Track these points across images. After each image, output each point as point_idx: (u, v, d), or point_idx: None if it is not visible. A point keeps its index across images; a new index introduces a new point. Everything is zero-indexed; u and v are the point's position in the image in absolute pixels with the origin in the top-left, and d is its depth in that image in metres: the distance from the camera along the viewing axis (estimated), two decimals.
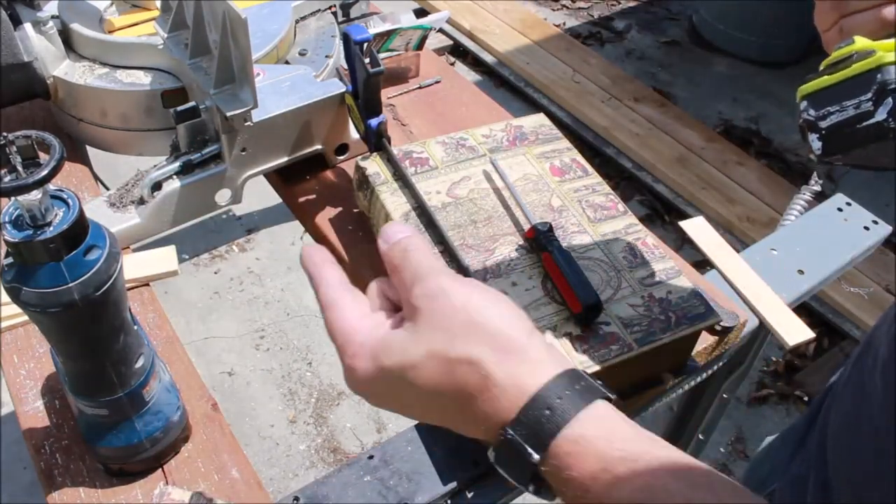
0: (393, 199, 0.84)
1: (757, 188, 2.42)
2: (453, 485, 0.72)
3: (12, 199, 0.53)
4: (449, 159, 0.89)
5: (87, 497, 0.68)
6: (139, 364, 0.66)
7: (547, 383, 0.39)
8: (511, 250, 0.80)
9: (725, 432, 1.92)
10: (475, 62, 3.07)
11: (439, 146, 0.91)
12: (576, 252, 0.79)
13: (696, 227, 0.98)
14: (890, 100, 0.48)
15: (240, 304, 2.15)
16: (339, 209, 0.95)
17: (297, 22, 1.09)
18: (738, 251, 0.97)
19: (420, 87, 1.15)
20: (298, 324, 2.11)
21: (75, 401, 0.66)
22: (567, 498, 0.39)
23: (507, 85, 2.95)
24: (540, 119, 0.97)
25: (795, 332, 0.87)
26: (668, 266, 0.80)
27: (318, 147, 0.97)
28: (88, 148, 1.04)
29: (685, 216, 2.30)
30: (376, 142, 0.90)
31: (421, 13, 1.12)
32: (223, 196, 0.93)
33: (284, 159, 0.95)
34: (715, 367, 0.89)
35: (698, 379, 0.89)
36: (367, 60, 0.84)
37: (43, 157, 0.52)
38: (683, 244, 2.27)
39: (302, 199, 0.97)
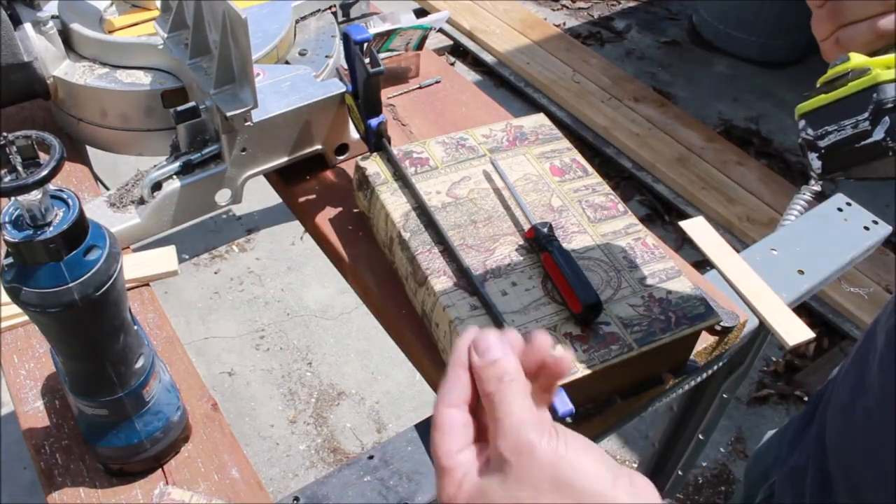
0: (393, 199, 0.84)
1: (757, 188, 2.42)
2: None
3: (12, 199, 0.53)
4: (449, 159, 0.89)
5: (87, 497, 0.68)
6: (139, 364, 0.66)
7: None
8: (511, 250, 0.80)
9: (725, 432, 1.92)
10: (475, 62, 3.07)
11: (439, 146, 0.91)
12: (576, 252, 0.79)
13: (696, 227, 0.98)
14: (887, 119, 0.48)
15: (240, 304, 2.15)
16: (339, 209, 0.95)
17: (297, 22, 1.09)
18: (738, 251, 0.97)
19: (420, 87, 1.15)
20: (298, 324, 2.11)
21: (75, 401, 0.66)
22: None
23: (507, 85, 2.95)
24: (540, 119, 0.97)
25: (795, 332, 0.87)
26: (668, 266, 0.80)
27: (318, 147, 0.97)
28: (88, 148, 1.04)
29: (685, 216, 2.30)
30: (376, 142, 0.90)
31: (421, 13, 1.12)
32: (223, 196, 0.93)
33: (284, 159, 0.95)
34: (715, 367, 0.89)
35: (698, 379, 0.89)
36: (367, 60, 0.84)
37: (43, 157, 0.52)
38: (683, 244, 2.27)
39: (302, 199, 0.97)
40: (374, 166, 0.88)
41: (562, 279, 0.74)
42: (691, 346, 0.78)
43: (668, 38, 3.28)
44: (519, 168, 0.89)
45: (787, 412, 1.97)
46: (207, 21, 0.85)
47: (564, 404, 0.64)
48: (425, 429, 0.76)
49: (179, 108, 0.85)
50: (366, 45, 0.85)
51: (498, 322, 0.72)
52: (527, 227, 0.81)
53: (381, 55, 1.10)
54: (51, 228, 0.54)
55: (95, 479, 0.70)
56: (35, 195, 0.52)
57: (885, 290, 2.11)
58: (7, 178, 0.51)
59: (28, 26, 0.91)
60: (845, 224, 1.04)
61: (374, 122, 0.88)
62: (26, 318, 0.78)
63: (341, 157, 1.00)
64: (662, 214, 2.47)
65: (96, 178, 1.03)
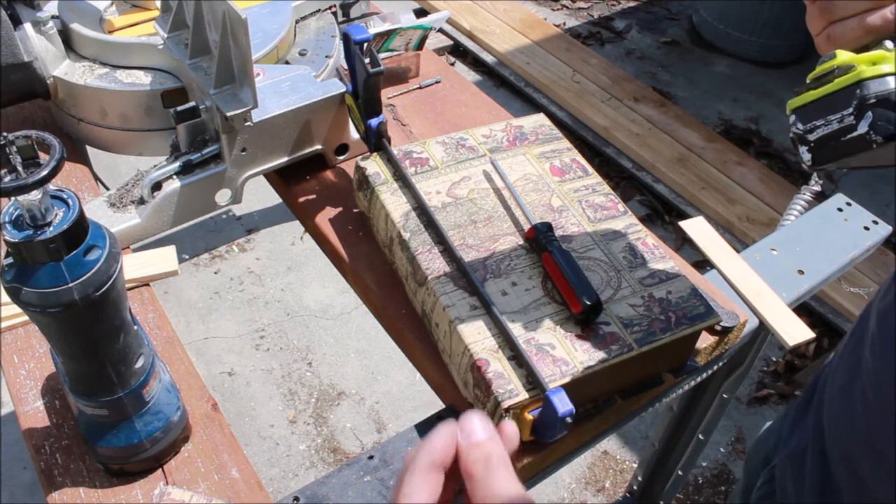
0: (393, 199, 0.84)
1: (757, 188, 2.42)
2: None
3: (12, 199, 0.53)
4: (449, 159, 0.89)
5: (87, 497, 0.69)
6: (139, 364, 0.66)
7: None
8: (511, 250, 0.80)
9: (725, 432, 1.92)
10: (475, 62, 3.07)
11: (439, 146, 0.91)
12: (576, 252, 0.79)
13: (696, 227, 0.98)
14: (870, 113, 0.50)
15: (240, 304, 2.15)
16: (339, 209, 0.95)
17: (297, 22, 1.09)
18: (738, 251, 0.97)
19: (420, 87, 1.15)
20: (298, 324, 2.11)
21: (75, 401, 0.66)
22: None
23: (507, 85, 2.95)
24: (540, 119, 0.97)
25: (795, 332, 0.87)
26: (668, 266, 0.80)
27: (318, 147, 0.97)
28: (88, 148, 1.04)
29: (685, 216, 2.30)
30: (376, 142, 0.90)
31: (421, 13, 1.12)
32: (223, 196, 0.93)
33: (284, 159, 0.95)
34: (715, 367, 0.89)
35: (698, 379, 0.89)
36: (367, 60, 0.84)
37: (43, 157, 0.52)
38: (683, 244, 2.27)
39: (302, 199, 0.97)
40: (374, 166, 0.88)
41: (562, 279, 0.74)
42: (691, 346, 0.78)
43: (668, 38, 3.28)
44: (519, 168, 0.89)
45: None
46: (207, 21, 0.85)
47: (564, 404, 0.64)
48: (425, 429, 0.76)
49: (179, 108, 0.85)
50: (366, 45, 0.85)
51: (498, 322, 0.72)
52: (527, 227, 0.81)
53: (381, 55, 1.10)
54: (51, 228, 0.54)
55: (95, 479, 0.70)
56: (35, 195, 0.52)
57: None
58: (7, 178, 0.51)
59: (28, 26, 0.91)
60: (845, 224, 1.04)
61: (374, 122, 0.88)
62: (26, 318, 0.78)
63: (341, 157, 1.00)
64: (662, 214, 2.47)
65: (96, 178, 1.03)
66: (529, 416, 0.68)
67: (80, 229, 0.56)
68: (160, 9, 0.95)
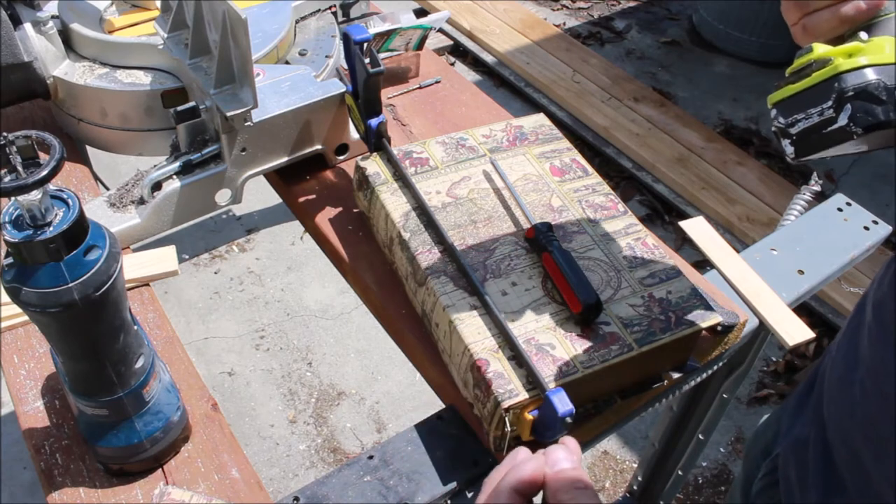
0: (393, 199, 0.84)
1: (757, 188, 2.42)
2: (453, 485, 0.72)
3: (12, 199, 0.53)
4: (449, 159, 0.89)
5: (87, 497, 0.68)
6: (139, 364, 0.66)
7: None
8: (511, 250, 0.80)
9: (725, 432, 1.92)
10: (475, 62, 3.07)
11: (439, 146, 0.91)
12: (576, 252, 0.79)
13: (696, 227, 0.98)
14: (849, 106, 0.51)
15: (240, 304, 2.15)
16: (339, 209, 0.95)
17: (297, 22, 1.09)
18: (738, 251, 0.97)
19: (420, 87, 1.15)
20: (298, 324, 2.11)
21: (75, 401, 0.66)
22: None
23: (507, 85, 2.95)
24: (540, 119, 0.97)
25: (795, 332, 0.87)
26: (668, 266, 0.80)
27: (318, 147, 0.97)
28: (88, 148, 1.04)
29: (685, 216, 2.30)
30: (376, 142, 0.90)
31: (421, 13, 1.12)
32: (223, 196, 0.93)
33: (284, 159, 0.95)
34: (715, 367, 0.89)
35: (698, 379, 0.89)
36: (367, 60, 0.84)
37: (43, 157, 0.52)
38: (683, 244, 2.27)
39: (302, 199, 0.97)
40: (374, 166, 0.88)
41: (562, 279, 0.74)
42: (691, 346, 0.78)
43: (668, 38, 3.28)
44: (519, 168, 0.89)
45: None
46: (207, 21, 0.85)
47: (564, 404, 0.64)
48: (425, 428, 0.76)
49: (179, 108, 0.85)
50: (366, 45, 0.85)
51: (498, 322, 0.72)
52: (527, 227, 0.81)
53: (381, 55, 1.10)
54: (51, 228, 0.54)
55: (95, 479, 0.70)
56: (35, 195, 0.52)
57: None
58: (7, 178, 0.51)
59: (28, 26, 0.91)
60: (845, 224, 1.04)
61: (374, 122, 0.88)
62: (26, 318, 0.78)
63: (341, 157, 1.00)
64: (662, 214, 2.47)
65: (96, 178, 1.03)
66: (529, 416, 0.68)
67: (80, 229, 0.56)
68: (160, 9, 0.95)
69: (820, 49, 0.53)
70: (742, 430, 1.92)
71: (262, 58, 0.97)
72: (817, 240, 1.02)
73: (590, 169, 0.91)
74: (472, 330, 0.72)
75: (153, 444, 0.69)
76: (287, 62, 1.03)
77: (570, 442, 0.49)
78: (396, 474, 0.72)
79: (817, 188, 1.10)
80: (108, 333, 0.61)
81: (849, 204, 1.07)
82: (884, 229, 1.04)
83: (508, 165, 0.89)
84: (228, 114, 0.83)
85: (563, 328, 0.73)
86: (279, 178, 0.99)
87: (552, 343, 0.71)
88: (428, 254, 0.79)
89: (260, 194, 2.24)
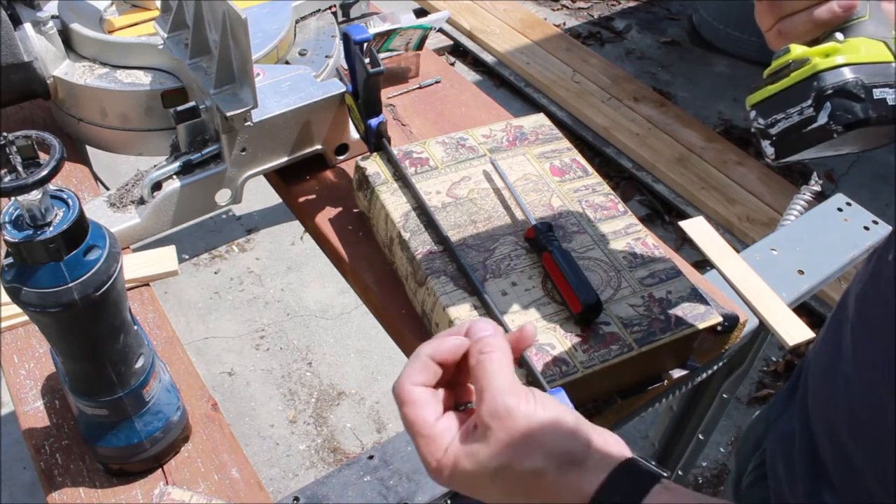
0: (393, 199, 0.84)
1: (757, 188, 2.42)
2: None
3: (12, 199, 0.53)
4: (449, 159, 0.89)
5: (87, 497, 0.68)
6: (139, 364, 0.66)
7: (604, 485, 0.44)
8: (511, 250, 0.80)
9: (725, 432, 1.92)
10: (475, 62, 3.07)
11: (439, 146, 0.91)
12: (576, 252, 0.79)
13: (696, 227, 0.98)
14: (828, 104, 0.51)
15: (240, 304, 2.15)
16: (339, 209, 0.95)
17: (297, 22, 1.09)
18: (738, 251, 0.97)
19: (420, 87, 1.15)
20: (298, 324, 2.11)
21: (75, 401, 0.66)
22: None
23: (507, 85, 2.95)
24: (540, 119, 0.97)
25: (795, 332, 0.87)
26: (668, 266, 0.80)
27: (318, 147, 0.97)
28: (88, 148, 1.04)
29: (685, 216, 2.30)
30: (376, 142, 0.90)
31: (421, 13, 1.12)
32: (223, 196, 0.93)
33: (284, 159, 0.95)
34: (715, 367, 0.89)
35: (698, 379, 0.89)
36: (367, 60, 0.84)
37: (43, 157, 0.52)
38: (683, 244, 2.27)
39: (302, 199, 0.97)
40: (374, 166, 0.88)
41: (562, 279, 0.74)
42: (691, 346, 0.78)
43: (668, 38, 3.28)
44: (519, 168, 0.89)
45: None
46: (207, 21, 0.85)
47: (564, 404, 0.64)
48: None
49: (179, 108, 0.85)
50: (366, 45, 0.85)
51: (498, 322, 0.72)
52: (527, 227, 0.81)
53: (381, 55, 1.10)
54: (51, 228, 0.54)
55: (95, 479, 0.70)
56: (35, 195, 0.52)
57: None
58: (7, 178, 0.51)
59: (28, 26, 0.91)
60: (845, 224, 1.04)
61: (374, 122, 0.88)
62: (26, 318, 0.78)
63: (341, 157, 1.00)
64: (662, 214, 2.47)
65: (96, 178, 1.03)
66: None
67: (80, 229, 0.56)
68: (160, 9, 0.95)
69: (797, 50, 0.54)
70: (742, 430, 1.92)
71: (262, 58, 0.97)
72: (817, 240, 1.02)
73: (590, 169, 0.91)
74: None
75: (153, 444, 0.68)
76: (287, 62, 1.03)
77: (527, 327, 0.50)
78: (396, 474, 0.72)
79: (817, 188, 1.10)
80: (108, 333, 0.61)
81: (849, 204, 1.07)
82: (884, 229, 1.04)
83: (508, 165, 0.89)
84: (228, 114, 0.83)
85: (563, 328, 0.73)
86: (279, 178, 0.99)
87: (552, 343, 0.71)
88: (428, 254, 0.79)
89: (260, 194, 2.24)
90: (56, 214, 0.55)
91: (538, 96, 2.82)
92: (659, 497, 0.43)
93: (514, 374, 0.47)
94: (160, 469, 0.71)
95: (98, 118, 0.97)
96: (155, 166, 0.89)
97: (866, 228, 1.04)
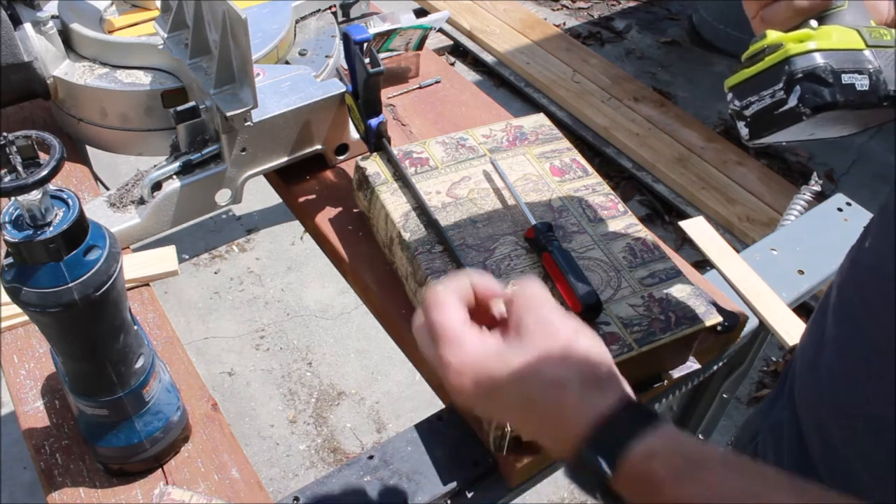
0: (393, 199, 0.84)
1: (757, 188, 2.42)
2: (453, 485, 0.72)
3: (12, 199, 0.53)
4: (449, 159, 0.89)
5: (87, 497, 0.68)
6: (139, 364, 0.66)
7: (618, 410, 0.45)
8: (511, 250, 0.80)
9: (725, 432, 1.91)
10: (475, 62, 3.07)
11: (439, 146, 0.91)
12: (576, 252, 0.79)
13: (696, 227, 0.98)
14: (798, 87, 0.54)
15: (240, 304, 2.15)
16: (339, 209, 0.95)
17: (297, 22, 1.09)
18: (738, 251, 0.97)
19: (420, 87, 1.15)
20: (298, 324, 2.11)
21: (75, 401, 0.66)
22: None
23: (507, 85, 2.95)
24: (540, 119, 0.97)
25: (795, 332, 0.87)
26: (668, 266, 0.80)
27: (318, 147, 0.97)
28: (88, 148, 1.04)
29: (685, 216, 2.30)
30: (376, 142, 0.90)
31: (421, 13, 1.12)
32: (223, 196, 0.93)
33: (284, 159, 0.95)
34: (715, 367, 0.89)
35: (698, 379, 0.89)
36: (367, 60, 0.84)
37: (43, 157, 0.52)
38: (683, 244, 2.27)
39: (302, 199, 0.97)
40: (374, 166, 0.88)
41: (562, 279, 0.74)
42: (691, 346, 0.78)
43: (668, 38, 3.28)
44: (519, 168, 0.89)
45: None
46: (207, 21, 0.85)
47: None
48: (425, 428, 0.76)
49: (179, 108, 0.85)
50: (366, 45, 0.85)
51: None
52: (527, 227, 0.81)
53: (381, 55, 1.10)
54: (51, 228, 0.54)
55: (95, 479, 0.70)
56: (35, 195, 0.52)
57: None
58: (7, 178, 0.51)
59: (28, 26, 0.91)
60: (845, 224, 1.04)
61: (374, 122, 0.88)
62: (26, 318, 0.78)
63: (341, 157, 1.00)
64: (662, 214, 2.47)
65: (96, 178, 1.03)
66: None
67: (80, 229, 0.56)
68: (160, 9, 0.95)
69: (772, 35, 0.56)
70: (740, 424, 1.92)
71: (262, 58, 0.97)
72: (817, 240, 1.01)
73: (590, 169, 0.91)
74: None
75: (153, 444, 0.69)
76: (287, 62, 1.03)
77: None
78: (396, 474, 0.72)
79: (817, 188, 1.10)
80: (108, 333, 0.61)
81: (849, 204, 1.07)
82: None
83: (508, 165, 0.89)
84: (228, 114, 0.83)
85: None
86: (279, 178, 0.99)
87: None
88: (428, 254, 0.79)
89: (260, 194, 2.24)
90: (56, 214, 0.55)
91: (538, 96, 2.82)
92: (667, 432, 0.45)
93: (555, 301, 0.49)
94: (160, 469, 0.71)
95: (98, 118, 0.97)
96: (155, 166, 0.89)
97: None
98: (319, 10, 1.13)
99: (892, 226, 0.50)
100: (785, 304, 0.90)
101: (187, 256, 2.25)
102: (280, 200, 1.04)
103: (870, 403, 0.53)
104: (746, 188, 2.42)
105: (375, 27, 1.06)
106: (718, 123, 2.82)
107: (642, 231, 0.83)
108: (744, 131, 0.58)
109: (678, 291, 0.77)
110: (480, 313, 0.51)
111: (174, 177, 0.89)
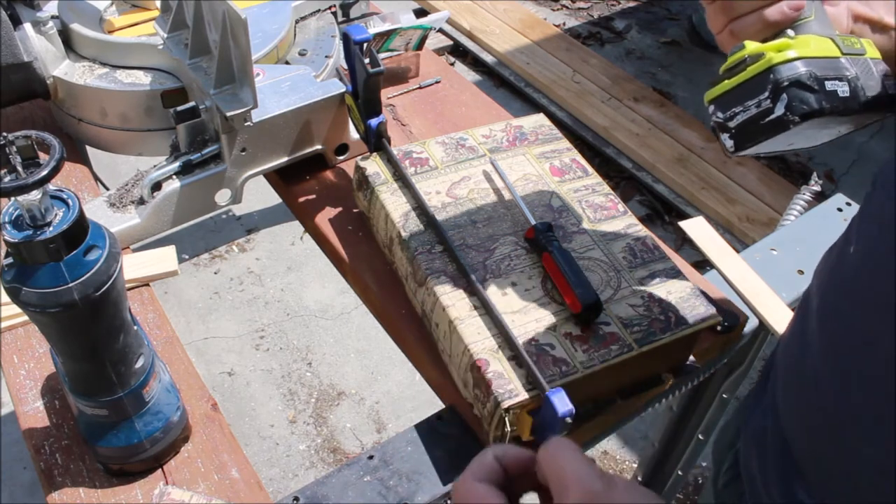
0: (393, 199, 0.84)
1: (757, 188, 2.42)
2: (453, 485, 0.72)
3: (12, 199, 0.53)
4: (449, 159, 0.89)
5: (87, 497, 0.69)
6: (139, 364, 0.66)
7: None
8: (511, 250, 0.80)
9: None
10: (475, 62, 3.07)
11: (439, 146, 0.91)
12: (576, 252, 0.79)
13: (696, 227, 0.98)
14: (785, 95, 0.54)
15: (240, 304, 2.15)
16: (339, 209, 0.95)
17: (297, 22, 1.09)
18: (738, 251, 0.97)
19: (420, 87, 1.15)
20: (298, 324, 2.11)
21: (75, 401, 0.66)
22: None
23: (507, 85, 2.94)
24: (540, 119, 0.97)
25: None
26: (668, 266, 0.80)
27: (318, 147, 0.97)
28: (88, 148, 1.04)
29: (685, 216, 2.30)
30: (376, 142, 0.90)
31: (421, 13, 1.12)
32: (223, 196, 0.93)
33: (284, 159, 0.95)
34: (715, 367, 0.89)
35: (698, 379, 0.89)
36: (367, 60, 0.84)
37: (43, 157, 0.52)
38: (683, 244, 2.27)
39: (302, 199, 0.97)
40: (374, 166, 0.88)
41: (562, 279, 0.74)
42: (691, 346, 0.78)
43: (668, 38, 3.28)
44: (519, 168, 0.89)
45: None
46: (207, 21, 0.85)
47: (564, 404, 0.64)
48: (425, 428, 0.76)
49: (179, 108, 0.85)
50: (366, 45, 0.85)
51: (498, 322, 0.72)
52: (527, 227, 0.81)
53: (381, 55, 1.10)
54: (51, 228, 0.54)
55: (95, 479, 0.70)
56: (35, 195, 0.52)
57: None
58: (7, 178, 0.51)
59: (28, 26, 0.91)
60: (845, 224, 1.04)
61: (374, 122, 0.88)
62: (26, 318, 0.78)
63: (341, 157, 1.00)
64: (662, 214, 2.47)
65: (96, 178, 1.03)
66: (529, 417, 0.68)
67: (80, 229, 0.56)
68: (160, 9, 0.95)
69: (752, 45, 0.56)
70: (719, 426, 1.92)
71: (262, 58, 0.97)
72: (817, 240, 1.01)
73: (590, 169, 0.91)
74: (472, 330, 0.72)
75: (153, 444, 0.69)
76: (287, 62, 1.03)
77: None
78: (396, 474, 0.72)
79: (817, 188, 1.10)
80: (108, 333, 0.61)
81: (849, 204, 1.07)
82: None
83: (508, 165, 0.89)
84: (228, 114, 0.83)
85: (563, 328, 0.73)
86: (279, 178, 0.99)
87: (552, 343, 0.71)
88: (428, 254, 0.79)
89: (260, 194, 2.24)
90: (56, 214, 0.55)
91: (538, 96, 2.82)
92: None
93: (592, 463, 0.44)
94: (160, 469, 0.71)
95: (98, 118, 0.97)
96: (155, 166, 0.89)
97: None
98: (319, 10, 1.13)
99: (891, 231, 0.49)
100: (785, 304, 0.90)
101: (187, 256, 2.25)
102: (280, 200, 1.04)
103: (864, 405, 0.52)
104: (746, 188, 2.42)
105: (375, 27, 1.06)
106: None
107: (642, 231, 0.83)
108: (728, 143, 0.58)
109: (678, 291, 0.77)
110: (522, 480, 0.47)
111: (174, 177, 0.89)
